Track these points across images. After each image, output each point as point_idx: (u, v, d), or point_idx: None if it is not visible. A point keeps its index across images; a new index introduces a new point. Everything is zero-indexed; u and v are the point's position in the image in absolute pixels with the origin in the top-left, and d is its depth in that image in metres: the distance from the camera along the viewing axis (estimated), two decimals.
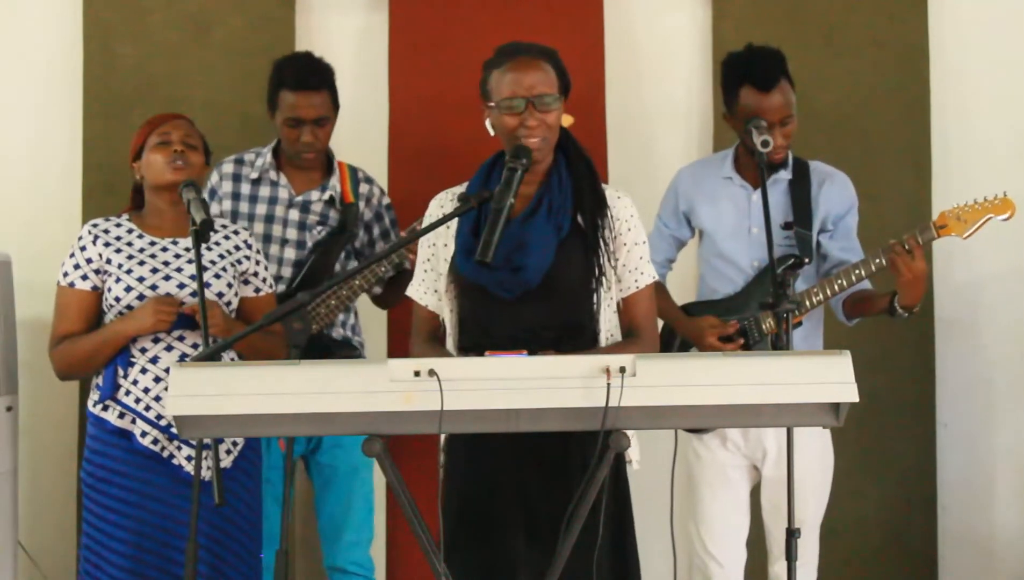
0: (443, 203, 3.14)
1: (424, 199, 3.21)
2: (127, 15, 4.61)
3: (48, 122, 4.66)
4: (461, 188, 3.15)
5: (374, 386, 2.58)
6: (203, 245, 3.44)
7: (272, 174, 4.03)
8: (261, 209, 4.03)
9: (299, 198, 4.02)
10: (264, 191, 4.04)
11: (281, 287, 3.92)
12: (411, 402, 2.56)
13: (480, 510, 3.01)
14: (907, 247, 3.51)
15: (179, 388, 2.58)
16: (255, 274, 3.61)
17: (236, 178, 4.06)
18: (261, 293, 3.62)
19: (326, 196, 4.03)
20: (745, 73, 3.64)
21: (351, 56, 4.43)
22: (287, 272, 3.98)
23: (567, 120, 3.86)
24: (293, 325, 2.74)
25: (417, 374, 2.57)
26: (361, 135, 4.22)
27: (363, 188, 4.09)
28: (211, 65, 4.59)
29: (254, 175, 4.04)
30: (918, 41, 4.53)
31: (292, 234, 4.01)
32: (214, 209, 4.02)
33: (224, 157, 4.06)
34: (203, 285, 3.30)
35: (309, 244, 4.00)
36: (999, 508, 4.54)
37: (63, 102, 4.63)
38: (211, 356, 3.04)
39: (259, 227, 4.00)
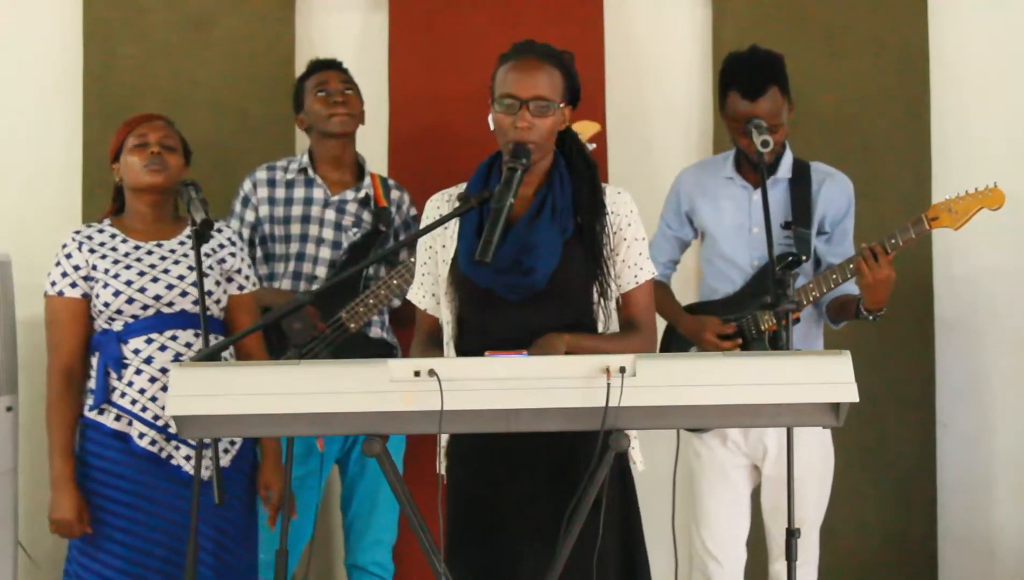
0: (439, 204, 3.13)
1: (424, 199, 3.20)
2: (127, 15, 4.60)
3: (48, 122, 4.66)
4: (457, 189, 3.14)
5: (374, 386, 2.58)
6: (187, 245, 3.47)
7: (309, 172, 4.08)
8: (297, 210, 4.06)
9: (335, 198, 4.07)
10: (299, 193, 4.07)
11: (315, 287, 3.96)
12: (411, 402, 2.56)
13: (483, 512, 3.00)
14: (874, 253, 3.52)
15: (179, 388, 2.59)
16: (238, 271, 3.61)
17: (271, 183, 4.10)
18: (244, 290, 3.62)
19: (361, 194, 4.07)
20: (733, 79, 3.66)
21: (351, 56, 4.42)
22: (322, 272, 4.01)
23: (593, 127, 3.88)
24: (293, 325, 2.74)
25: (417, 374, 2.57)
26: (361, 135, 4.22)
27: (394, 194, 4.15)
28: (211, 65, 4.59)
29: (289, 176, 4.09)
30: (918, 41, 4.53)
31: (328, 234, 4.04)
32: (248, 216, 4.05)
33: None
34: (203, 284, 3.30)
35: (345, 244, 4.03)
36: (999, 508, 4.53)
37: (63, 102, 4.62)
38: (211, 356, 3.04)
39: (296, 228, 4.04)
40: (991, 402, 4.54)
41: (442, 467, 3.06)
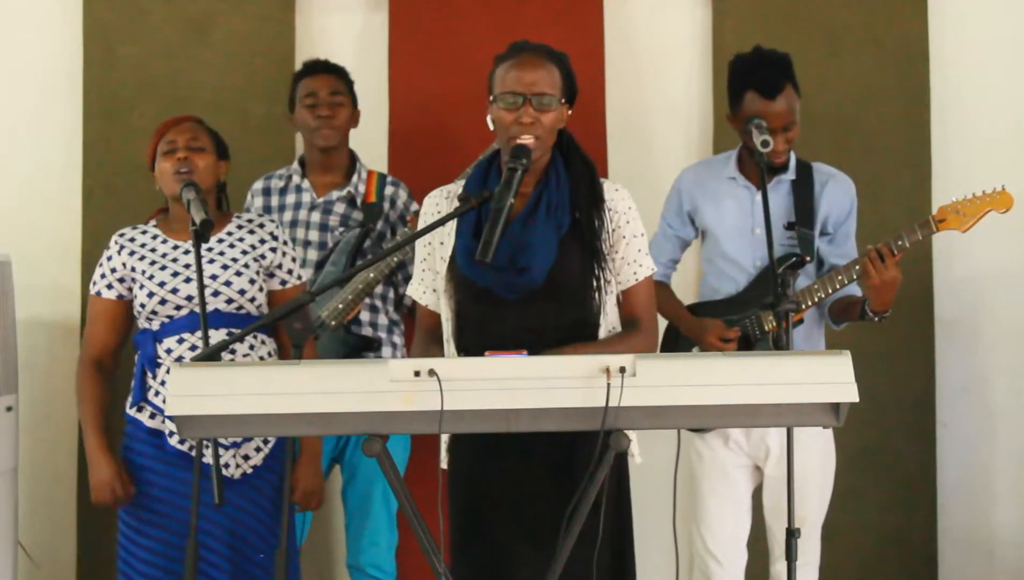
0: (438, 201, 3.14)
1: (424, 198, 3.21)
2: (127, 15, 4.61)
3: (48, 122, 4.66)
4: (454, 186, 3.15)
5: (374, 386, 2.58)
6: (225, 244, 3.51)
7: (296, 179, 4.12)
8: (287, 216, 4.11)
9: (320, 200, 4.11)
10: (290, 198, 4.13)
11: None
12: (411, 402, 2.56)
13: (483, 511, 3.01)
14: (881, 254, 3.52)
15: (179, 388, 2.59)
16: (279, 266, 3.61)
17: (266, 193, 4.17)
18: (288, 285, 3.62)
19: (343, 193, 4.08)
20: (750, 78, 3.64)
21: (351, 56, 4.43)
22: (308, 274, 4.01)
23: None
24: (293, 325, 2.74)
25: (417, 374, 2.57)
26: (361, 135, 4.22)
27: (388, 189, 4.16)
28: (211, 65, 4.59)
29: (281, 184, 4.14)
30: (918, 41, 4.53)
31: (314, 236, 4.07)
32: None
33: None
34: (203, 284, 3.31)
35: (330, 245, 4.04)
36: (999, 508, 4.54)
37: (63, 102, 4.63)
38: (211, 356, 3.04)
39: (286, 233, 4.04)
40: (991, 402, 4.54)
41: (444, 462, 3.06)
